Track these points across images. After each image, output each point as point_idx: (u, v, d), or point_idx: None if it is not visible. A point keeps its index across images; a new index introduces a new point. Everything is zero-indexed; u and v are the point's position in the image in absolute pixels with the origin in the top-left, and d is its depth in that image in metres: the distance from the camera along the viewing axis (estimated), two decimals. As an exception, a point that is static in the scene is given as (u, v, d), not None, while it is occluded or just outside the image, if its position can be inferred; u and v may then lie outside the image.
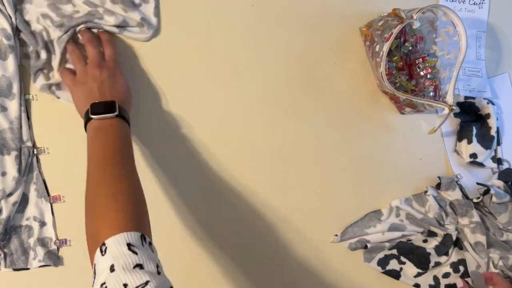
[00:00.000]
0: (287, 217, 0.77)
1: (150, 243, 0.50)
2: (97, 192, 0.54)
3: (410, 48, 0.76)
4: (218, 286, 0.75)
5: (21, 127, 0.69)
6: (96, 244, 0.48)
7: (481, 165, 0.81)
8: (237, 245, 0.76)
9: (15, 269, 0.69)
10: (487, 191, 0.77)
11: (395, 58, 0.76)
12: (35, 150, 0.70)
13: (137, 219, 0.51)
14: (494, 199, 0.76)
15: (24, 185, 0.69)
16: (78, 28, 0.69)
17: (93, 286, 0.46)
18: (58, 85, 0.70)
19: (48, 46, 0.69)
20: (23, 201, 0.70)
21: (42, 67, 0.68)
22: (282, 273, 0.77)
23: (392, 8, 0.70)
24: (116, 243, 0.47)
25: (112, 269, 0.45)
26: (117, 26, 0.71)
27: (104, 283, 0.44)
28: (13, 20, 0.67)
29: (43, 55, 0.68)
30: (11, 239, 0.69)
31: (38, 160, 0.70)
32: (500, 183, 0.78)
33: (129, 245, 0.47)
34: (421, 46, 0.77)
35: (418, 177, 0.81)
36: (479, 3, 0.85)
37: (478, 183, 0.79)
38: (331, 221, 0.78)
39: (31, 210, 0.70)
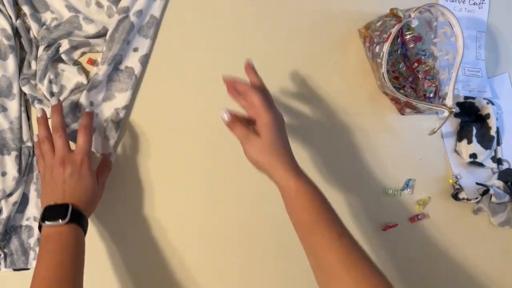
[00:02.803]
0: (287, 217, 0.77)
1: None
2: None
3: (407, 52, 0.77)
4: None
5: (21, 127, 0.69)
6: None
7: (481, 165, 0.81)
8: (236, 246, 0.76)
9: (15, 269, 0.70)
10: (486, 191, 0.77)
11: (399, 65, 0.77)
12: (35, 150, 0.70)
13: None
14: (493, 199, 0.76)
15: (24, 185, 0.70)
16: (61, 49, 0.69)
17: None
18: (40, 100, 0.69)
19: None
20: (23, 201, 0.70)
21: (29, 77, 0.69)
22: (282, 273, 0.77)
23: (389, 8, 0.70)
24: None
25: None
26: (97, 36, 0.71)
27: None
28: (13, 20, 0.67)
29: (33, 65, 0.69)
30: (11, 239, 0.69)
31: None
32: (500, 183, 0.78)
33: None
34: (418, 46, 0.77)
35: (418, 177, 0.81)
36: (479, 3, 0.85)
37: (477, 183, 0.79)
38: (331, 221, 0.78)
39: (31, 210, 0.70)
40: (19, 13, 0.69)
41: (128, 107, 0.73)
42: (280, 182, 0.58)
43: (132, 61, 0.72)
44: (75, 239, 0.58)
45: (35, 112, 0.69)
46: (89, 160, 0.63)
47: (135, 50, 0.73)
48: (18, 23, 0.68)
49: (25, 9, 0.68)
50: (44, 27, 0.69)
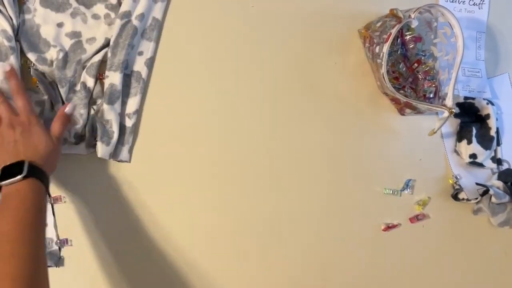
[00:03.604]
0: (287, 217, 0.77)
1: None
2: None
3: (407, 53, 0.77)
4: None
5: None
6: None
7: (480, 165, 0.81)
8: (236, 246, 0.76)
9: None
10: (486, 192, 0.77)
11: (399, 66, 0.77)
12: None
13: None
14: (493, 199, 0.76)
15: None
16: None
17: None
18: (65, 140, 0.70)
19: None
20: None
21: None
22: (276, 273, 0.77)
23: (389, 9, 0.70)
24: None
25: None
26: (103, 47, 0.71)
27: None
28: (14, 21, 0.67)
29: (58, 108, 0.70)
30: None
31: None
32: (500, 184, 0.78)
33: None
34: (418, 46, 0.78)
35: (418, 177, 0.81)
36: (479, 4, 0.85)
37: (477, 184, 0.79)
38: (331, 221, 0.78)
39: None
40: (27, 62, 0.70)
41: (138, 112, 0.73)
42: None
43: (139, 65, 0.73)
44: (35, 194, 0.57)
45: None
46: (36, 118, 0.63)
47: (140, 54, 0.73)
48: (32, 72, 0.69)
49: (30, 56, 0.69)
50: (54, 65, 0.69)
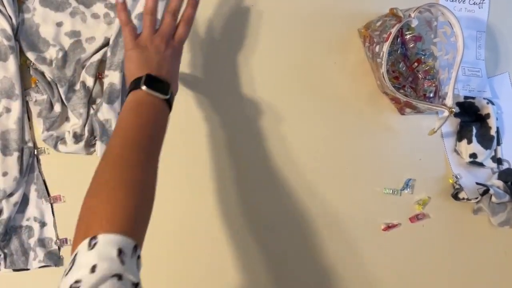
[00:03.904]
0: (287, 217, 0.77)
1: (139, 257, 0.45)
2: (111, 172, 0.49)
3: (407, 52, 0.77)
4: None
5: (23, 127, 0.69)
6: (86, 232, 0.43)
7: (481, 165, 0.81)
8: (236, 245, 0.76)
9: (15, 270, 0.70)
10: (486, 191, 0.77)
11: (399, 65, 0.77)
12: (35, 150, 0.70)
13: (137, 225, 0.47)
14: (493, 199, 0.76)
15: (25, 185, 0.70)
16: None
17: (66, 274, 0.42)
18: (63, 139, 0.70)
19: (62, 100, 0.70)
20: (24, 202, 0.70)
21: (55, 119, 0.69)
22: (275, 273, 0.77)
23: (389, 8, 0.70)
24: (108, 243, 0.42)
25: (93, 270, 0.40)
26: (102, 47, 0.71)
27: (80, 280, 0.40)
28: (14, 21, 0.67)
29: (57, 108, 0.69)
30: (11, 240, 0.69)
31: (38, 161, 0.71)
32: (500, 183, 0.78)
33: (120, 251, 0.42)
34: (418, 46, 0.78)
35: (418, 177, 0.81)
36: (479, 3, 0.85)
37: (477, 183, 0.79)
38: (331, 221, 0.78)
39: (31, 211, 0.70)
40: (27, 61, 0.70)
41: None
42: None
43: None
44: (165, 116, 0.57)
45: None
46: (181, 51, 0.63)
47: None
48: (31, 71, 0.69)
49: (30, 55, 0.69)
50: (53, 65, 0.69)
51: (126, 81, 0.60)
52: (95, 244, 0.42)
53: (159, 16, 0.67)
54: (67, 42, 0.71)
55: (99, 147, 0.69)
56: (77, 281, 0.40)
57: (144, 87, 0.55)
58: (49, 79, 0.70)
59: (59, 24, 0.71)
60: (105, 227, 0.43)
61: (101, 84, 0.71)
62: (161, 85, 0.56)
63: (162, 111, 0.57)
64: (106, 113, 0.70)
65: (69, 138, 0.69)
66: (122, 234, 0.43)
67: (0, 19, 0.66)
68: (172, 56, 0.60)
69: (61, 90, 0.69)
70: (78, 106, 0.69)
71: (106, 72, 0.70)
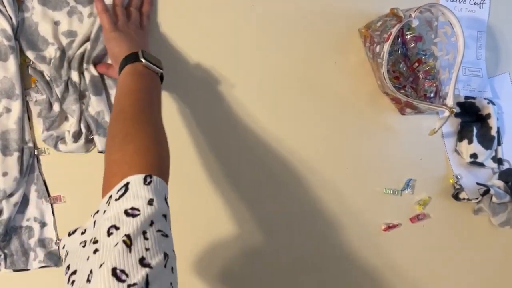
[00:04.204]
0: (287, 217, 0.77)
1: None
2: (134, 124, 0.52)
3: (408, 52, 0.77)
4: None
5: (23, 128, 0.69)
6: (140, 169, 0.45)
7: (481, 165, 0.80)
8: (235, 245, 0.76)
9: (15, 270, 0.70)
10: (487, 191, 0.77)
11: (400, 65, 0.77)
12: (35, 150, 0.70)
13: (167, 171, 0.50)
14: (494, 199, 0.76)
15: (25, 186, 0.70)
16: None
17: (115, 199, 0.43)
18: (63, 139, 0.70)
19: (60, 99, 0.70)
20: (24, 202, 0.70)
21: (54, 119, 0.69)
22: (275, 273, 0.77)
23: (390, 8, 0.70)
24: (160, 184, 0.45)
25: (151, 203, 0.43)
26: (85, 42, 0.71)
27: (138, 209, 0.42)
28: (14, 20, 0.67)
29: (56, 107, 0.69)
30: (12, 240, 0.69)
31: (38, 161, 0.71)
32: (501, 183, 0.78)
33: (166, 195, 0.46)
34: (419, 46, 0.77)
35: (418, 177, 0.81)
36: (480, 3, 0.85)
37: (478, 183, 0.79)
38: (331, 221, 0.78)
39: (31, 211, 0.70)
40: (26, 60, 0.70)
41: None
42: None
43: None
44: (160, 89, 0.61)
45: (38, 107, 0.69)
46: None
47: None
48: (30, 70, 0.69)
49: (29, 54, 0.68)
50: (51, 64, 0.69)
51: (112, 61, 0.65)
52: (150, 182, 0.44)
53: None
54: (64, 41, 0.70)
55: (98, 141, 0.69)
56: (134, 208, 0.42)
57: (143, 60, 0.59)
58: (47, 78, 0.70)
59: (57, 23, 0.70)
60: (153, 170, 0.46)
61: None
62: (155, 60, 0.61)
63: (158, 83, 0.61)
64: (96, 105, 0.69)
65: (68, 137, 0.69)
66: (165, 182, 0.47)
67: (0, 19, 0.66)
68: (147, 37, 0.68)
69: (57, 90, 0.69)
70: (70, 103, 0.69)
71: (85, 66, 0.70)
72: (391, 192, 0.80)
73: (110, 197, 0.44)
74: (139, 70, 0.59)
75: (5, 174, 0.67)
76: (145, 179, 0.44)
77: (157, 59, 0.62)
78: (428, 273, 0.81)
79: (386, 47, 0.68)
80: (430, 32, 0.78)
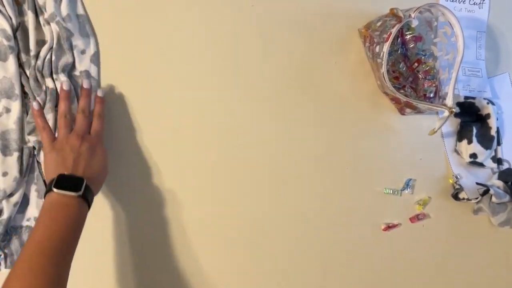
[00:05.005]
0: (287, 217, 0.77)
1: None
2: (22, 280, 0.51)
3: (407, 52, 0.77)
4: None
5: (23, 128, 0.69)
6: None
7: (481, 165, 0.81)
8: (235, 246, 0.76)
9: (15, 269, 0.70)
10: (486, 191, 0.77)
11: (400, 65, 0.77)
12: (35, 150, 0.70)
13: None
14: (493, 199, 0.76)
15: (25, 185, 0.70)
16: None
17: None
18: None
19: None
20: (24, 202, 0.70)
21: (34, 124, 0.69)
22: (276, 273, 0.77)
23: (389, 8, 0.70)
24: None
25: None
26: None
27: None
28: (13, 21, 0.67)
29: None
30: (12, 240, 0.69)
31: (38, 161, 0.71)
32: (500, 183, 0.78)
33: None
34: (419, 46, 0.77)
35: (418, 177, 0.81)
36: (479, 3, 0.85)
37: (477, 183, 0.79)
38: (331, 221, 0.78)
39: (31, 211, 0.70)
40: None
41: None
42: None
43: (85, 64, 0.72)
44: (80, 213, 0.59)
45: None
46: (102, 143, 0.67)
47: (83, 52, 0.72)
48: (22, 79, 0.69)
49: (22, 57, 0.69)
50: (29, 73, 0.69)
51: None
52: None
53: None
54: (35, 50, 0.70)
55: None
56: None
57: (54, 189, 0.57)
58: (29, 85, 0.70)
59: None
60: None
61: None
62: (74, 182, 0.59)
63: (78, 208, 0.58)
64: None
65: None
66: None
67: (0, 19, 0.66)
68: (89, 150, 0.63)
69: (39, 99, 0.69)
70: (46, 111, 0.68)
71: (55, 76, 0.69)
72: (391, 192, 0.80)
73: None
74: (53, 200, 0.58)
75: (5, 174, 0.67)
76: None
77: (81, 178, 0.60)
78: (427, 273, 0.81)
79: (386, 47, 0.68)
80: (430, 32, 0.78)
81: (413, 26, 0.70)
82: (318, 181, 0.78)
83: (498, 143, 0.82)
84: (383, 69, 0.70)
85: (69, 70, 0.71)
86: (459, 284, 0.82)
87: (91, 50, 0.72)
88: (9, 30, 0.66)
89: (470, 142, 0.80)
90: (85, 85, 0.69)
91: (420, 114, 0.79)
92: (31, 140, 0.69)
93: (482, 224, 0.82)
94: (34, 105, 0.66)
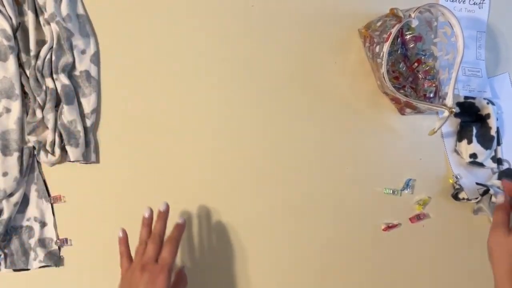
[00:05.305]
0: (286, 217, 0.77)
1: None
2: None
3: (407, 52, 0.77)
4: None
5: (23, 128, 0.69)
6: None
7: (481, 165, 0.81)
8: (234, 245, 0.76)
9: (15, 270, 0.70)
10: (486, 191, 0.77)
11: (399, 65, 0.77)
12: (35, 150, 0.70)
13: None
14: (493, 199, 0.76)
15: (25, 185, 0.70)
16: None
17: None
18: (46, 150, 0.70)
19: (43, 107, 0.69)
20: (24, 202, 0.70)
21: (35, 125, 0.69)
22: (276, 273, 0.77)
23: (389, 8, 0.70)
24: None
25: None
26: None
27: None
28: (13, 21, 0.67)
29: (38, 113, 0.69)
30: (12, 240, 0.69)
31: (38, 161, 0.71)
32: (500, 183, 0.78)
33: None
34: (418, 46, 0.77)
35: (418, 177, 0.81)
36: (479, 3, 0.85)
37: (477, 183, 0.79)
38: (330, 221, 0.78)
39: (31, 211, 0.70)
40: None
41: (97, 110, 0.73)
42: None
43: (85, 64, 0.72)
44: None
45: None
46: (169, 272, 0.61)
47: (83, 52, 0.72)
48: (22, 79, 0.69)
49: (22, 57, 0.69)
50: (29, 73, 0.69)
51: None
52: None
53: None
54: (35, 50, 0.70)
55: (70, 152, 0.69)
56: None
57: None
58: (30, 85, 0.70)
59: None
60: None
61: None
62: None
63: None
64: (68, 114, 0.69)
65: (47, 146, 0.69)
66: None
67: (0, 19, 0.66)
68: (149, 283, 0.59)
69: (39, 99, 0.69)
70: (46, 112, 0.69)
71: (55, 76, 0.69)
72: (391, 192, 0.80)
73: None
74: None
75: (5, 174, 0.67)
76: None
77: None
78: (427, 273, 0.81)
79: (386, 47, 0.68)
80: (430, 32, 0.78)
81: (413, 26, 0.70)
82: (318, 181, 0.78)
83: (498, 143, 0.82)
84: (383, 69, 0.70)
85: (69, 70, 0.71)
86: (459, 284, 0.82)
87: (91, 50, 0.72)
88: (9, 30, 0.66)
89: (470, 142, 0.80)
90: (162, 207, 0.65)
91: (420, 114, 0.79)
92: (31, 140, 0.69)
93: (482, 224, 0.82)
94: (120, 233, 0.65)
